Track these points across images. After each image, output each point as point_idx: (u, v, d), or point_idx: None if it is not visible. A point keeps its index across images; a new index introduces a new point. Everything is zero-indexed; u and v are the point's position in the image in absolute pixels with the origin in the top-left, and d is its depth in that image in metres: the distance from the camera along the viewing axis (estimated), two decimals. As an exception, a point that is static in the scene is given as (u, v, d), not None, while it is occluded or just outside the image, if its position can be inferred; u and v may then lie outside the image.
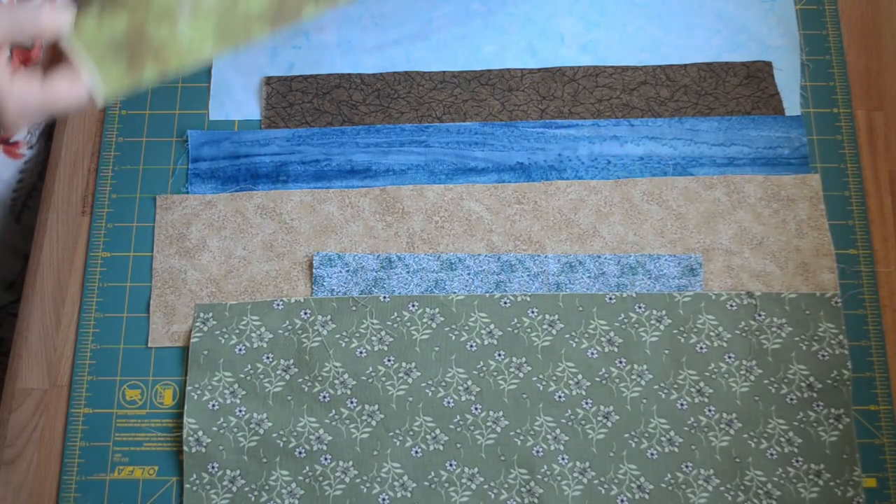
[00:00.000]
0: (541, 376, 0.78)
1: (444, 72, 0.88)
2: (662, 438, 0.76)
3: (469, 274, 0.81)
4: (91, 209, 0.85)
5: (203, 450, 0.77)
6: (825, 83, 0.87)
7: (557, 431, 0.77)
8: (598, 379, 0.78)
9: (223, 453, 0.77)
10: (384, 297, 0.80)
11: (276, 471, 0.76)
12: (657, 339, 0.78)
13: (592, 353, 0.78)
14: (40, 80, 0.62)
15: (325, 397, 0.78)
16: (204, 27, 0.67)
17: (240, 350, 0.78)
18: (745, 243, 0.81)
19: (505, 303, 0.79)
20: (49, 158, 0.87)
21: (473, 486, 0.75)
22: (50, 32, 0.63)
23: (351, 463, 0.76)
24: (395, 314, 0.79)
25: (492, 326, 0.79)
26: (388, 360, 0.78)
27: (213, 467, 0.77)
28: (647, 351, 0.78)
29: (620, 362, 0.78)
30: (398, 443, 0.76)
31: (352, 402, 0.77)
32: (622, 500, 0.75)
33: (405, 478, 0.76)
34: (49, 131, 0.90)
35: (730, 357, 0.78)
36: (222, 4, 0.67)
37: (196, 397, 0.78)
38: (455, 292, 0.80)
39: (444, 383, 0.78)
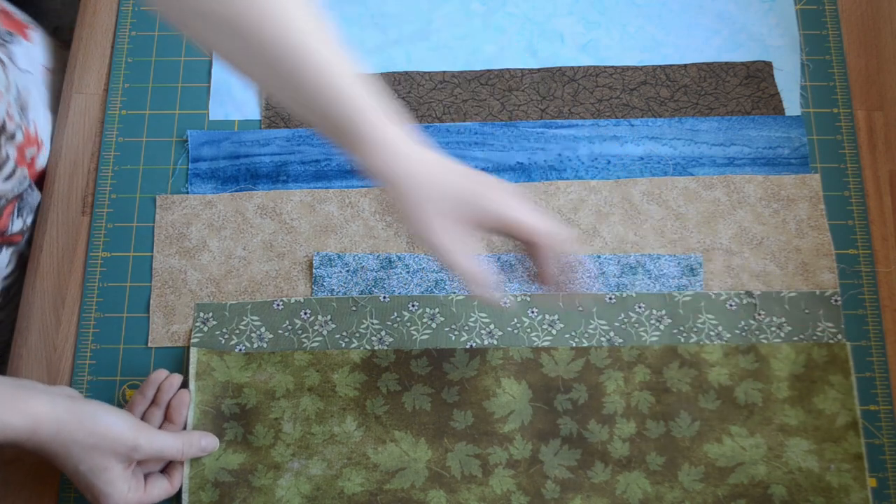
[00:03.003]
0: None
1: (444, 72, 0.88)
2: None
3: (469, 274, 0.81)
4: (91, 209, 0.85)
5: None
6: (825, 83, 0.87)
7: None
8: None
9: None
10: (384, 297, 0.80)
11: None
12: (657, 338, 0.78)
13: (592, 353, 0.78)
14: (143, 487, 0.71)
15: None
16: (298, 491, 0.74)
17: (240, 350, 0.78)
18: (745, 243, 0.81)
19: (505, 303, 0.79)
20: (49, 159, 0.87)
21: None
22: (186, 458, 0.73)
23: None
24: (395, 314, 0.79)
25: (492, 326, 0.79)
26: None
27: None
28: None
29: (620, 362, 0.78)
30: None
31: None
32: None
33: None
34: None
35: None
36: (324, 476, 0.74)
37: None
38: (455, 292, 0.80)
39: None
